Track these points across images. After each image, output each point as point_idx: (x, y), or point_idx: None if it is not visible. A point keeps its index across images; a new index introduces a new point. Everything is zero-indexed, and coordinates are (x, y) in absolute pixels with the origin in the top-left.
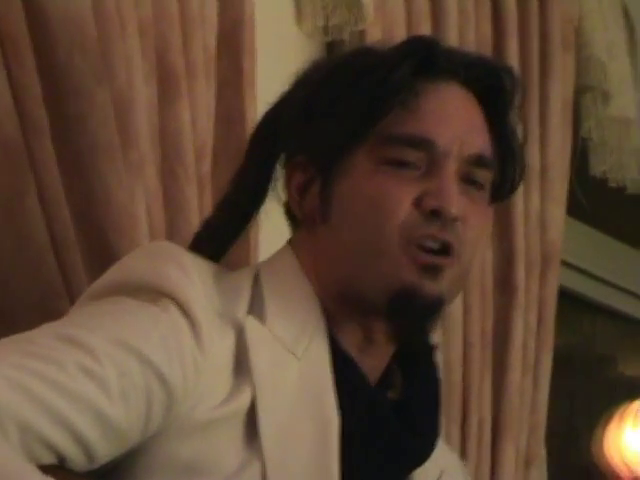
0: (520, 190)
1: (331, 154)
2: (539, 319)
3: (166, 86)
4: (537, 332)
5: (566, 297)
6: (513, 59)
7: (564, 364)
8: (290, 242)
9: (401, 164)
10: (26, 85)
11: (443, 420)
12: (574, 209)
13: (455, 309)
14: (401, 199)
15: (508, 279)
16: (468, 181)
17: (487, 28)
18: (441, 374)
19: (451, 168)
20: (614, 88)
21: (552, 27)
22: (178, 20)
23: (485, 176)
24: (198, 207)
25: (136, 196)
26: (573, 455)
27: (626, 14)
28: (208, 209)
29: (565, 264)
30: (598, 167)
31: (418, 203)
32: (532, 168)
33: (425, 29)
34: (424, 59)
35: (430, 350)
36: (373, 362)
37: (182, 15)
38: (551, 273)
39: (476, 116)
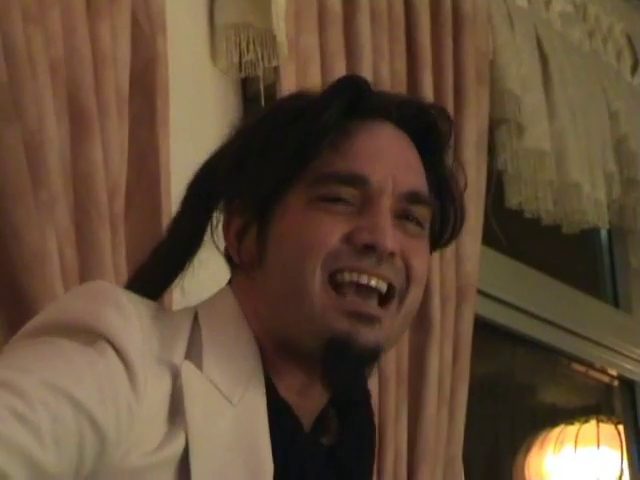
0: None
1: (264, 198)
2: (455, 352)
3: (78, 125)
4: (453, 365)
5: (485, 327)
6: (427, 93)
7: (485, 393)
8: (230, 284)
9: (334, 200)
10: None
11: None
12: (491, 240)
13: None
14: (329, 232)
15: (423, 314)
16: (405, 217)
17: (401, 63)
18: None
19: (385, 204)
20: (528, 120)
21: (466, 61)
22: (90, 59)
23: (423, 213)
24: (111, 246)
25: (47, 236)
26: None
27: (540, 47)
28: (121, 248)
29: (484, 294)
30: (514, 199)
31: (349, 238)
32: None
33: (339, 65)
34: (355, 98)
35: (367, 395)
36: (311, 406)
37: (94, 54)
38: (467, 306)
39: (410, 155)
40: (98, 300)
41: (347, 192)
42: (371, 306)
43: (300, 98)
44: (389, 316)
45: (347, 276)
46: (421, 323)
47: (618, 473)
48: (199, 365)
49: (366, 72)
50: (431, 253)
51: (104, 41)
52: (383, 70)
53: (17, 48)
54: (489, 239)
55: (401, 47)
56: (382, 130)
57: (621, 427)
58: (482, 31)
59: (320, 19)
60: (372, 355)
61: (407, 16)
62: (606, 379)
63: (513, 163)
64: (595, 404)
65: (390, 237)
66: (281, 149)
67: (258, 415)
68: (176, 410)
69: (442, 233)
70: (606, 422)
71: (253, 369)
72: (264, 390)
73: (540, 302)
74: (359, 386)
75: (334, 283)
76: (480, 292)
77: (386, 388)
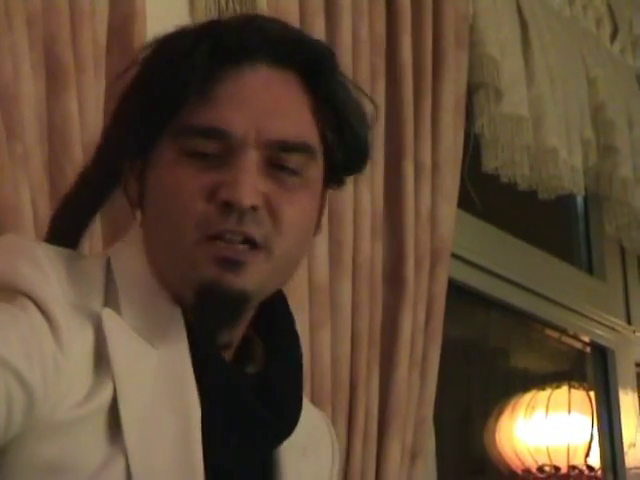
0: (411, 186)
1: (138, 146)
2: (428, 314)
3: (54, 79)
4: (425, 327)
5: (460, 291)
6: (407, 56)
7: (458, 357)
8: (136, 229)
9: (198, 155)
10: None
11: (330, 413)
12: (467, 204)
13: (343, 304)
14: (194, 194)
15: (398, 274)
16: (278, 167)
17: (381, 25)
18: (329, 369)
19: (249, 157)
20: (506, 85)
21: (446, 25)
22: (67, 13)
23: (298, 160)
24: None
25: (21, 189)
26: (469, 446)
27: (520, 11)
28: None
29: (458, 258)
30: (490, 163)
31: (212, 196)
32: (424, 164)
33: (318, 25)
34: (219, 42)
35: (291, 321)
36: (228, 338)
37: (71, 8)
38: (441, 269)
39: (284, 99)
40: (12, 255)
41: (210, 146)
42: (236, 250)
43: (172, 39)
44: (256, 263)
45: (216, 236)
46: (395, 284)
47: (588, 439)
48: (118, 311)
49: (345, 33)
50: (337, 186)
51: None
52: (362, 31)
53: None
54: (465, 203)
55: (381, 8)
56: (251, 75)
57: (592, 393)
58: None
59: None
60: (238, 300)
61: None
62: (579, 345)
63: (490, 128)
64: (567, 370)
65: (248, 192)
66: (150, 95)
67: (180, 354)
68: (101, 359)
69: (346, 166)
70: (577, 388)
71: (169, 309)
72: (183, 330)
73: (514, 267)
74: (275, 297)
75: (204, 241)
76: (455, 255)
77: (358, 348)
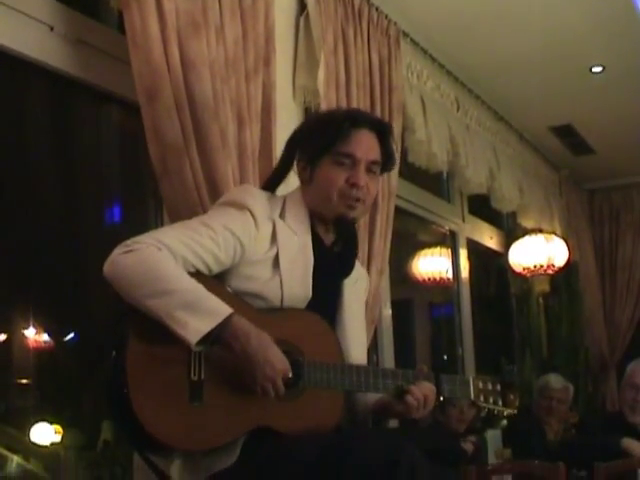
0: None
1: (314, 157)
2: None
3: None
4: None
5: None
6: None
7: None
8: (299, 188)
9: (342, 164)
10: None
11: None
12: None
13: None
14: (339, 178)
15: None
16: (369, 170)
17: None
18: None
19: (362, 166)
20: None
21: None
22: None
23: (376, 168)
24: None
25: (227, 167)
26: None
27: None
28: None
29: None
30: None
31: (347, 180)
32: None
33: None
34: (354, 119)
35: (354, 229)
36: (329, 236)
37: None
38: None
39: (373, 143)
40: (244, 192)
41: (347, 160)
42: (354, 202)
43: (333, 114)
44: (360, 208)
45: (347, 197)
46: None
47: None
48: (284, 218)
49: None
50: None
51: None
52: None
53: None
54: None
55: None
56: (363, 133)
57: (450, 250)
58: None
59: None
60: (354, 221)
61: None
62: (444, 230)
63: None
64: (440, 242)
65: (362, 181)
66: (323, 138)
67: (307, 239)
68: (274, 237)
69: (383, 171)
70: (446, 247)
71: (306, 222)
72: (310, 229)
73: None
74: (351, 228)
75: (341, 198)
76: None
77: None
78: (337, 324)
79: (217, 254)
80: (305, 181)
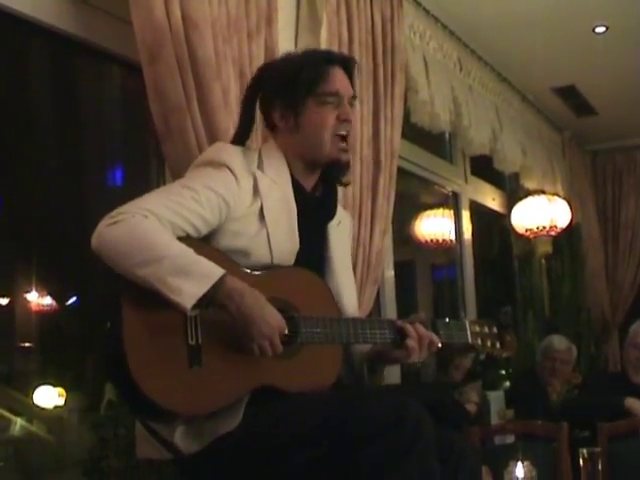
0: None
1: (298, 103)
2: None
3: None
4: None
5: None
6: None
7: None
8: (272, 137)
9: (328, 103)
10: None
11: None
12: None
13: None
14: (329, 117)
15: None
16: (350, 103)
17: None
18: None
19: (346, 101)
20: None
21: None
22: None
23: (354, 102)
24: None
25: (230, 125)
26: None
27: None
28: None
29: None
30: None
31: (337, 118)
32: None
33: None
34: (329, 57)
35: (338, 176)
36: (310, 181)
37: None
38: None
39: (346, 79)
40: (220, 149)
41: (332, 99)
42: (345, 146)
43: (303, 57)
44: (349, 150)
45: (339, 132)
46: None
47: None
48: (262, 170)
49: None
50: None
51: None
52: None
53: None
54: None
55: None
56: (338, 69)
57: (453, 211)
58: None
59: None
60: (348, 165)
61: None
62: (446, 191)
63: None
64: (443, 203)
65: (350, 115)
66: (303, 82)
67: (288, 187)
68: (256, 190)
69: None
70: (449, 208)
71: (285, 170)
72: (290, 178)
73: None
74: (344, 172)
75: (333, 137)
76: None
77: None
78: (326, 269)
79: (203, 215)
80: (288, 130)
